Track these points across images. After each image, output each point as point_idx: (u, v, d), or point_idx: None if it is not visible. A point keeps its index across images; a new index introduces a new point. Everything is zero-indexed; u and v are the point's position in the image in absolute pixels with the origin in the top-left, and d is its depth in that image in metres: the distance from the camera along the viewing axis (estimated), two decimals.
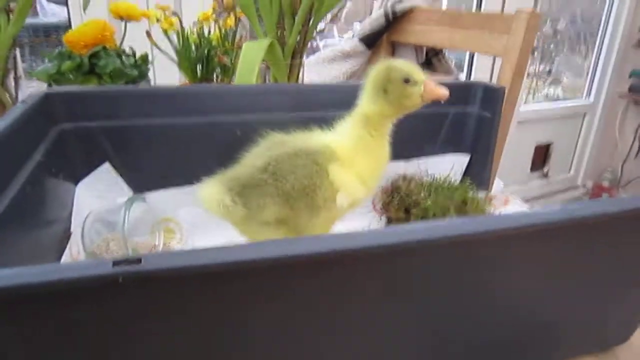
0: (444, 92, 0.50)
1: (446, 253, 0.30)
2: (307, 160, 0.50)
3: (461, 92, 0.76)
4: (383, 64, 0.51)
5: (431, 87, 0.50)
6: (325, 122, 0.64)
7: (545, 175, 2.82)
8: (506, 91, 0.75)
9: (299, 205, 0.49)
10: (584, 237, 0.33)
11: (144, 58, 0.95)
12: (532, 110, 2.58)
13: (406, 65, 0.50)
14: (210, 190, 0.50)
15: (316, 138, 0.54)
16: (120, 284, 0.22)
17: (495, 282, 0.34)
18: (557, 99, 2.99)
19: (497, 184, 0.96)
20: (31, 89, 0.90)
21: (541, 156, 2.79)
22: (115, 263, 0.23)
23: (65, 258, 0.48)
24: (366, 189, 0.53)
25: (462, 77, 2.15)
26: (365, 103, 0.53)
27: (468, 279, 0.33)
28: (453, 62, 1.33)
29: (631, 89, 2.62)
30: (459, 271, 0.32)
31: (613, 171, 2.84)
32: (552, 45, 3.10)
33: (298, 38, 0.86)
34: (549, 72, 3.19)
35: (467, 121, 0.76)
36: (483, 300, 0.35)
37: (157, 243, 0.62)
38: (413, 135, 0.75)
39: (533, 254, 0.33)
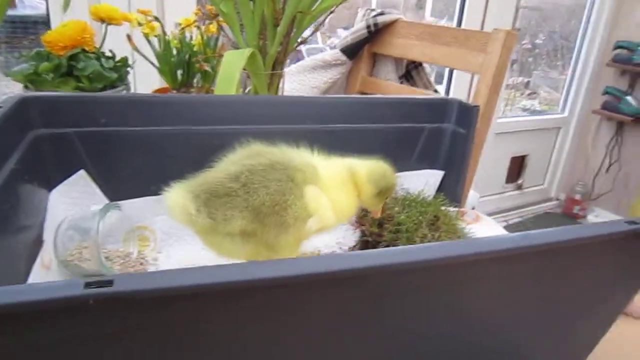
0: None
1: (415, 277, 0.31)
2: (282, 175, 0.49)
3: (437, 108, 0.78)
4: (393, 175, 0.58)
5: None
6: (308, 137, 0.65)
7: (520, 187, 2.88)
8: (481, 108, 0.77)
9: (268, 221, 0.48)
10: (543, 262, 0.35)
11: (124, 61, 0.95)
12: (508, 122, 2.64)
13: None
14: (176, 196, 0.48)
15: (299, 155, 0.53)
16: (91, 305, 0.23)
17: (461, 306, 0.36)
18: (534, 111, 3.07)
19: (473, 196, 0.98)
20: (4, 87, 0.88)
21: (516, 168, 2.85)
22: (87, 284, 0.23)
23: (36, 267, 0.48)
24: (336, 221, 0.54)
25: (442, 89, 2.19)
26: (362, 175, 0.55)
27: (435, 302, 0.34)
28: (434, 73, 1.36)
29: (604, 106, 2.70)
30: (426, 295, 0.33)
31: (585, 185, 2.91)
32: (530, 59, 3.18)
33: (279, 48, 0.87)
34: (527, 84, 3.27)
35: (442, 137, 0.78)
36: (452, 323, 0.37)
37: (131, 251, 0.62)
38: (389, 150, 0.76)
39: (496, 278, 0.35)
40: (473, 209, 1.19)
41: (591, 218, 2.92)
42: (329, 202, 0.51)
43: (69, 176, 0.60)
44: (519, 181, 2.88)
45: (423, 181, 0.76)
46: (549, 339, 0.45)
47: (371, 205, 0.59)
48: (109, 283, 0.23)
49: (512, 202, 2.85)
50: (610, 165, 2.81)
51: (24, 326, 0.23)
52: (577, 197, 2.91)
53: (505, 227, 2.81)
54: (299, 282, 0.27)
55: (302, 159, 0.52)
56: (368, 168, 0.56)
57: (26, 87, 0.88)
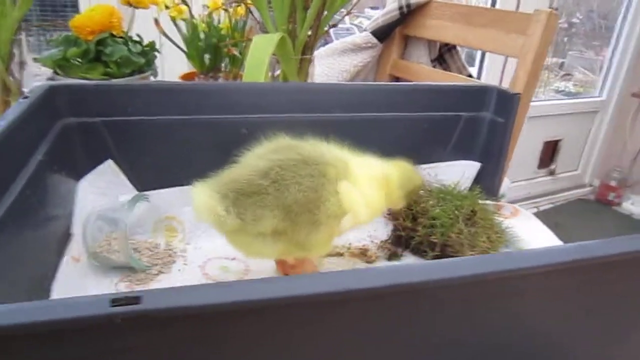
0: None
1: (456, 292, 0.29)
2: (315, 170, 0.47)
3: (474, 96, 0.74)
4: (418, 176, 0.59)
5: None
6: (337, 127, 0.63)
7: (553, 173, 2.79)
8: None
9: (300, 220, 0.46)
10: (598, 274, 0.32)
11: (152, 46, 0.94)
12: (542, 105, 2.54)
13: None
14: (203, 196, 0.45)
15: (329, 149, 0.51)
16: (118, 324, 0.21)
17: (505, 319, 0.33)
18: (569, 93, 2.95)
19: (504, 182, 0.94)
20: (37, 76, 0.88)
21: (549, 153, 2.76)
22: (114, 302, 0.21)
23: (66, 259, 0.47)
24: (369, 218, 0.52)
25: (473, 72, 2.12)
26: (394, 180, 0.54)
27: (477, 316, 0.32)
28: (464, 54, 1.30)
29: None
30: (467, 309, 0.31)
31: (621, 171, 2.80)
32: (565, 39, 3.05)
33: (309, 33, 0.84)
34: (561, 65, 3.14)
35: (479, 126, 0.75)
36: (491, 337, 0.34)
37: (159, 242, 0.61)
38: (423, 140, 0.74)
39: (546, 290, 0.32)
40: (503, 196, 1.15)
41: (626, 205, 2.82)
42: (363, 198, 0.49)
43: (96, 166, 0.59)
44: (552, 166, 2.79)
45: (459, 173, 0.73)
46: (599, 349, 0.42)
47: (398, 206, 0.59)
48: (137, 300, 0.22)
49: (543, 188, 2.77)
50: None
51: (47, 344, 0.21)
52: (613, 183, 2.81)
53: (536, 214, 2.73)
54: (340, 298, 0.25)
55: (333, 153, 0.50)
56: (398, 171, 0.55)
57: (55, 72, 0.87)
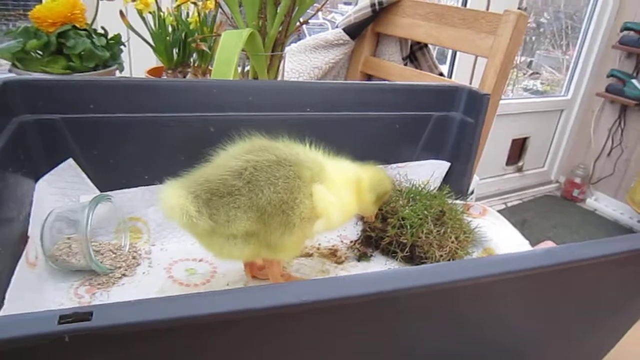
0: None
1: (430, 298, 0.28)
2: (290, 172, 0.46)
3: (445, 96, 0.75)
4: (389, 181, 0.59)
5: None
6: (308, 125, 0.62)
7: (520, 170, 2.85)
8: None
9: (273, 221, 0.45)
10: (561, 280, 0.32)
11: (117, 39, 0.91)
12: (511, 104, 2.59)
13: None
14: (173, 196, 0.43)
15: (305, 151, 0.50)
16: (67, 343, 0.20)
17: (475, 321, 0.33)
18: (536, 91, 3.02)
19: (474, 179, 0.95)
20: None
21: (517, 150, 2.82)
22: (62, 318, 0.20)
23: (21, 264, 0.45)
24: (342, 221, 0.52)
25: (444, 70, 2.13)
26: (365, 183, 0.54)
27: (451, 319, 0.32)
28: (435, 51, 1.31)
29: (608, 89, 2.65)
30: (442, 313, 0.31)
31: (585, 168, 2.89)
32: (534, 38, 3.11)
33: (280, 28, 0.82)
34: (530, 64, 3.20)
35: (449, 126, 0.75)
36: (464, 338, 0.34)
37: (122, 244, 0.59)
38: (394, 139, 0.74)
39: (512, 295, 0.32)
40: (472, 192, 1.16)
41: (590, 202, 2.90)
42: (336, 201, 0.49)
43: (56, 165, 0.57)
44: (520, 163, 2.85)
45: (428, 172, 0.73)
46: (557, 349, 0.43)
47: (367, 212, 0.59)
48: (87, 316, 0.20)
49: (512, 185, 2.83)
50: (612, 149, 2.78)
51: None
52: (577, 180, 2.89)
53: (504, 210, 2.79)
54: (320, 307, 0.24)
55: (308, 155, 0.50)
56: (369, 175, 0.55)
57: (14, 65, 0.84)
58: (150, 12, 0.91)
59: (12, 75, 0.61)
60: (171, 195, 0.44)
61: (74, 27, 0.84)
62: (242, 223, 0.45)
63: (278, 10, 0.80)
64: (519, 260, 0.29)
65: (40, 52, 0.83)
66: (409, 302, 0.28)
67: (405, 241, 0.61)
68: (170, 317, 0.21)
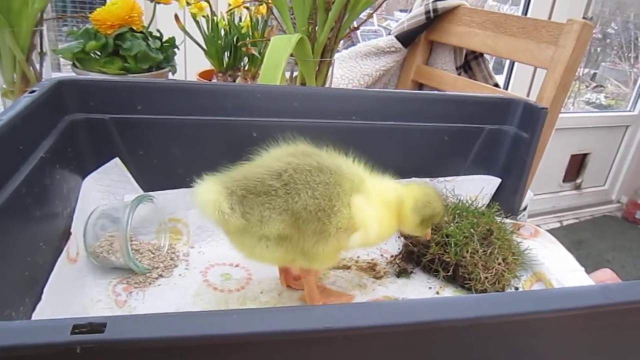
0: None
1: (469, 332, 0.26)
2: (330, 179, 0.45)
3: (499, 108, 0.71)
4: (439, 202, 0.52)
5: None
6: (354, 134, 0.60)
7: (578, 187, 2.71)
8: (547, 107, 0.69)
9: (307, 228, 0.44)
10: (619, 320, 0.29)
11: (171, 42, 0.93)
12: (571, 117, 2.46)
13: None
14: (208, 190, 0.43)
15: (348, 162, 0.49)
16: (78, 354, 0.19)
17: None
18: (599, 105, 2.86)
19: (527, 195, 0.90)
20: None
21: (576, 166, 2.67)
22: (75, 328, 0.20)
23: (61, 260, 0.46)
24: (379, 239, 0.50)
25: (500, 81, 2.06)
26: (407, 206, 0.50)
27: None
28: (492, 61, 1.26)
29: None
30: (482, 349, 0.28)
31: None
32: (599, 49, 2.95)
33: (330, 34, 0.81)
34: (593, 76, 3.05)
35: (502, 140, 0.71)
36: None
37: (162, 244, 0.60)
38: (442, 151, 0.71)
39: (560, 332, 0.29)
40: (525, 208, 1.10)
41: None
42: (375, 216, 0.47)
43: (103, 164, 0.58)
44: (578, 180, 2.70)
45: (477, 188, 0.69)
46: None
47: (416, 232, 0.54)
48: (101, 327, 0.20)
49: (568, 202, 2.69)
50: None
51: None
52: None
53: (559, 228, 2.65)
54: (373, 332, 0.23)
55: (350, 167, 0.48)
56: (414, 196, 0.51)
57: (74, 65, 0.87)
58: (203, 16, 0.93)
59: (66, 75, 0.63)
60: (206, 190, 0.44)
61: (131, 29, 0.86)
62: (275, 225, 0.44)
63: (328, 16, 0.79)
64: (572, 297, 0.26)
65: (99, 53, 0.86)
66: (443, 334, 0.26)
67: (448, 260, 0.58)
68: (185, 335, 0.20)
